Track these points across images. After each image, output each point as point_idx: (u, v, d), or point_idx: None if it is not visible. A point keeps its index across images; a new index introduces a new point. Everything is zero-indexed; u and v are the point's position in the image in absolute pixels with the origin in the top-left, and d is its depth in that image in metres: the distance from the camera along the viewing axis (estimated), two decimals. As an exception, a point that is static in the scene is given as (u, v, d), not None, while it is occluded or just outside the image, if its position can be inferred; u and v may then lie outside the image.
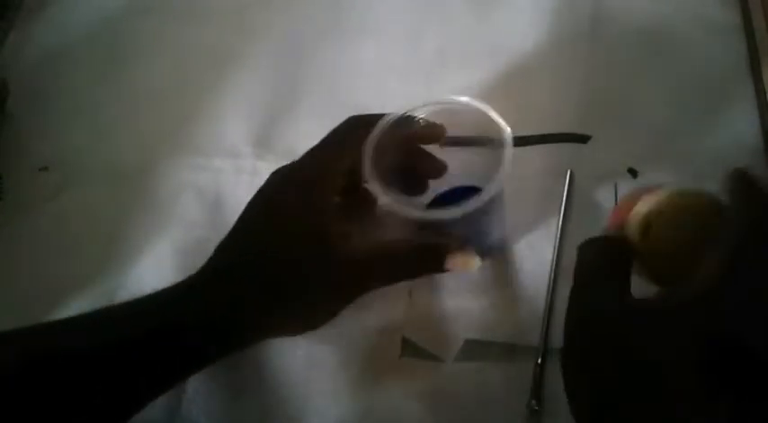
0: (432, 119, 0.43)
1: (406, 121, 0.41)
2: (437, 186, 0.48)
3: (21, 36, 0.65)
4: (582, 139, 0.54)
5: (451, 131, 0.44)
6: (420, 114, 0.42)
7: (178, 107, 0.59)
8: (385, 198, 0.37)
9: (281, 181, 0.40)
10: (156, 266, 0.50)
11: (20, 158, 0.57)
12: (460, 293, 0.48)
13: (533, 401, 0.42)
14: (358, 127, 0.39)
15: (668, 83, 0.56)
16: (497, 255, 0.49)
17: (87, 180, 0.55)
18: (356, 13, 0.64)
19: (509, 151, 0.39)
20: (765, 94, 0.53)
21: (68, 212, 0.54)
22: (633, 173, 0.52)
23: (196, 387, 0.44)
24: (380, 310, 0.47)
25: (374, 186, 0.38)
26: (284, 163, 0.55)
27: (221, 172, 0.55)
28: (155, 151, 0.56)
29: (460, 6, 0.63)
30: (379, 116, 0.39)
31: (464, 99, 0.41)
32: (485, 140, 0.47)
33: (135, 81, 0.61)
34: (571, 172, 0.51)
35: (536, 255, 0.48)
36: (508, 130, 0.40)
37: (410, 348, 0.46)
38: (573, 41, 0.59)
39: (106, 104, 0.60)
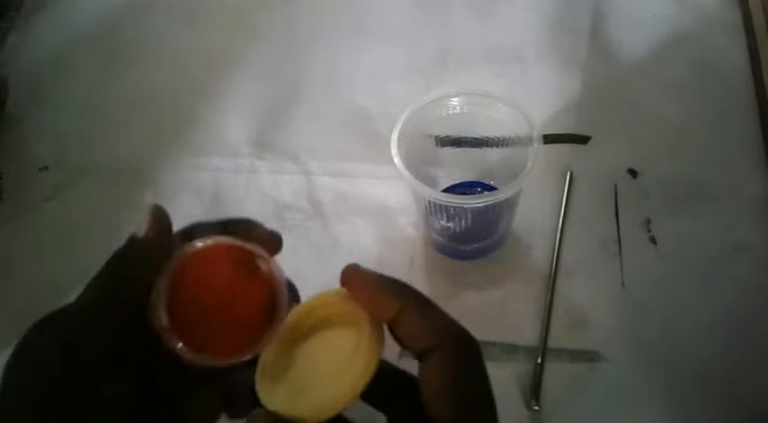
0: (456, 110, 0.44)
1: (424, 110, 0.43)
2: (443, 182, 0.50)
3: (21, 36, 0.65)
4: (582, 139, 0.54)
5: (472, 125, 0.45)
6: (444, 103, 0.44)
7: (178, 107, 0.59)
8: (411, 178, 0.40)
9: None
10: (155, 266, 0.50)
11: (20, 158, 0.57)
12: (460, 293, 0.48)
13: (533, 401, 0.42)
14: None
15: (668, 83, 0.56)
16: (497, 251, 0.49)
17: (87, 180, 0.55)
18: (356, 13, 0.64)
19: (538, 148, 0.40)
20: (765, 94, 0.53)
21: (68, 212, 0.54)
22: (633, 173, 0.52)
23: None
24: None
25: (400, 166, 0.40)
26: (283, 162, 0.55)
27: (220, 171, 0.55)
28: (154, 151, 0.56)
29: (460, 7, 0.63)
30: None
31: (494, 94, 0.43)
32: (482, 141, 0.48)
33: (135, 81, 0.61)
34: (571, 172, 0.51)
35: (536, 254, 0.48)
36: (538, 127, 0.41)
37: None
38: (573, 41, 0.59)
39: (106, 104, 0.60)
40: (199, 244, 0.27)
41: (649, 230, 0.49)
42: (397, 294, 0.26)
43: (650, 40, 0.59)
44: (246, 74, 0.61)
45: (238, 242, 0.28)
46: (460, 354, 0.25)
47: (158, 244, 0.27)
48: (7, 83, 0.60)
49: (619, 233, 0.49)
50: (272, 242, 0.30)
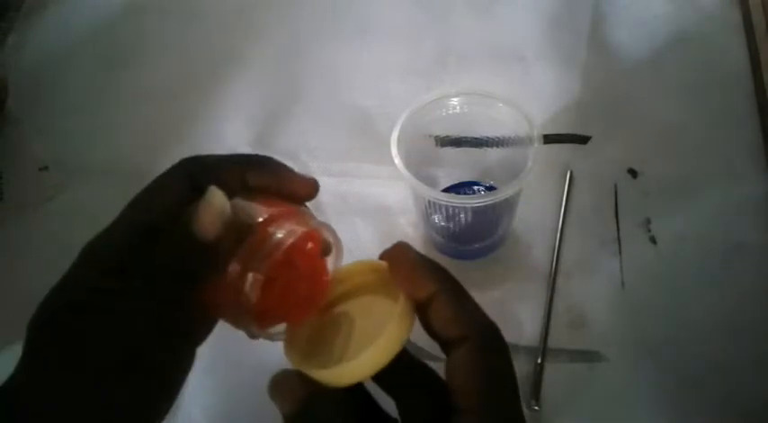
0: (456, 110, 0.44)
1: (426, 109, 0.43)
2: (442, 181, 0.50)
3: (21, 36, 0.65)
4: (582, 139, 0.54)
5: (471, 124, 0.45)
6: (444, 103, 0.44)
7: (178, 107, 0.59)
8: (411, 178, 0.40)
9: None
10: (155, 266, 0.50)
11: (20, 158, 0.57)
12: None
13: (533, 401, 0.42)
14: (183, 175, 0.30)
15: (668, 83, 0.56)
16: (497, 251, 0.49)
17: (87, 180, 0.55)
18: (356, 13, 0.64)
19: (537, 148, 0.40)
20: (765, 94, 0.53)
21: (68, 212, 0.54)
22: (633, 173, 0.52)
23: (196, 385, 0.44)
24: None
25: (400, 166, 0.40)
26: (283, 162, 0.55)
27: (221, 172, 0.55)
28: (154, 151, 0.56)
29: (461, 7, 0.63)
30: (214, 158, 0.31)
31: (494, 94, 0.43)
32: (482, 141, 0.48)
33: (135, 81, 0.61)
34: (571, 172, 0.51)
35: (536, 254, 0.48)
36: (538, 126, 0.41)
37: (410, 348, 0.46)
38: (573, 41, 0.59)
39: (106, 104, 0.60)
40: (281, 235, 0.27)
41: (649, 230, 0.49)
42: (435, 277, 0.26)
43: (650, 40, 0.59)
44: (246, 74, 0.61)
45: (314, 225, 0.29)
46: (489, 345, 0.26)
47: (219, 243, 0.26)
48: (7, 83, 0.60)
49: (619, 233, 0.49)
50: (311, 189, 0.31)
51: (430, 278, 0.26)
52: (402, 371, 0.27)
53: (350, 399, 0.26)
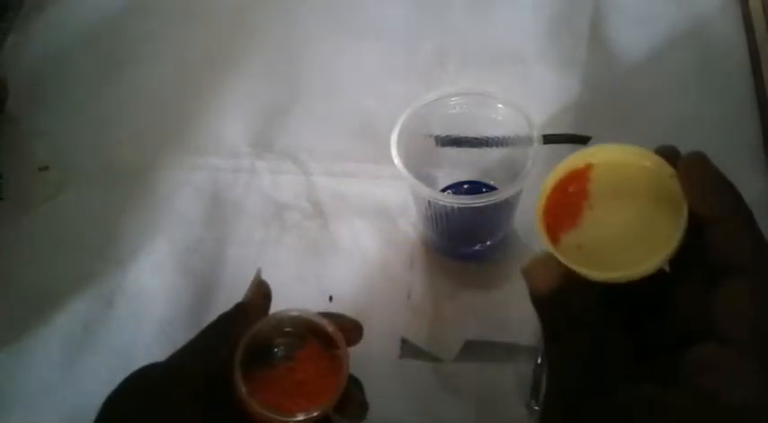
0: (456, 110, 0.44)
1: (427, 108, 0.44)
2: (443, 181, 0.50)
3: (21, 36, 0.65)
4: (582, 139, 0.54)
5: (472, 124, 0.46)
6: (444, 103, 0.44)
7: (177, 107, 0.59)
8: (411, 178, 0.40)
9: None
10: (154, 266, 0.50)
11: (20, 158, 0.57)
12: (460, 294, 0.47)
13: (533, 401, 0.42)
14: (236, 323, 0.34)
15: (668, 83, 0.56)
16: (497, 252, 0.49)
17: (87, 180, 0.55)
18: (356, 13, 0.64)
19: (537, 148, 0.40)
20: (765, 93, 0.53)
21: (68, 212, 0.54)
22: (633, 173, 0.52)
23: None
24: (380, 311, 0.47)
25: (400, 166, 0.40)
26: (282, 162, 0.55)
27: (220, 171, 0.55)
28: (154, 151, 0.56)
29: (460, 7, 0.63)
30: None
31: (494, 94, 0.43)
32: (482, 141, 0.48)
33: (135, 81, 0.61)
34: (571, 172, 0.51)
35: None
36: (538, 127, 0.41)
37: (410, 349, 0.46)
38: (573, 41, 0.59)
39: (106, 104, 0.60)
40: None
41: (649, 230, 0.49)
42: (729, 200, 0.25)
43: (650, 40, 0.59)
44: (246, 74, 0.61)
45: (325, 325, 0.34)
46: None
47: (258, 308, 0.35)
48: (7, 83, 0.60)
49: (619, 233, 0.49)
50: (353, 330, 0.35)
51: (723, 199, 0.25)
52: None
53: (606, 293, 0.26)
